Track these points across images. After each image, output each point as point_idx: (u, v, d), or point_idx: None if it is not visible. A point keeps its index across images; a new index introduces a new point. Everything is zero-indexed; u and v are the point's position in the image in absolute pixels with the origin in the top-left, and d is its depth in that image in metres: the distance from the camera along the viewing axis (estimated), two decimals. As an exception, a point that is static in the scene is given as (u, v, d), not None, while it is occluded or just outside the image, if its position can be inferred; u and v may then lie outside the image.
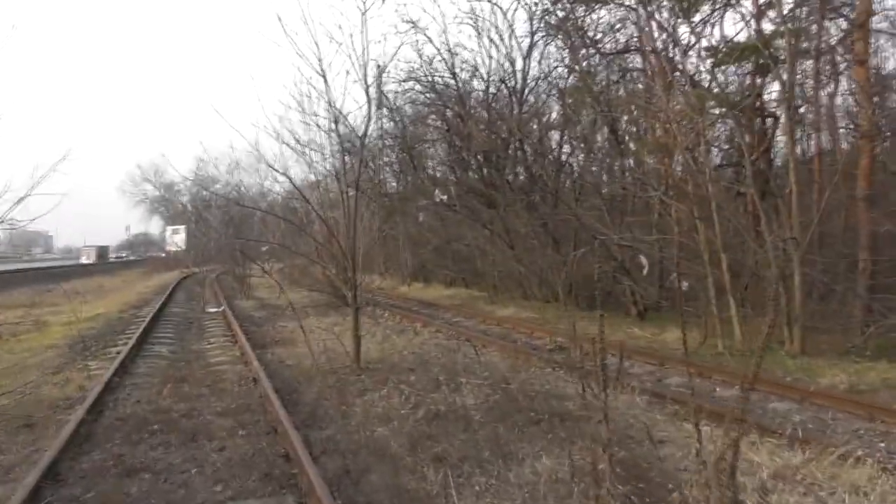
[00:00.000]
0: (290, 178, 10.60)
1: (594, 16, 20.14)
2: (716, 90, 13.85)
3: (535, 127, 23.17)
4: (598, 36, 20.35)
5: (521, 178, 23.09)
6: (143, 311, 19.42)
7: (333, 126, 9.59)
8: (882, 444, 6.56)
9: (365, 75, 9.73)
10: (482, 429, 6.56)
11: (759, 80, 15.15)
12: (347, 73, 9.81)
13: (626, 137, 20.28)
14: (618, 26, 19.92)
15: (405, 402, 7.53)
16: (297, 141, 10.59)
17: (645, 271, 13.38)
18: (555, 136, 23.54)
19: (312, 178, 17.33)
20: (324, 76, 9.62)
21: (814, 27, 14.55)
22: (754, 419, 7.39)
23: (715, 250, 12.16)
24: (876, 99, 13.87)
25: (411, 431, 6.48)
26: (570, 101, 21.44)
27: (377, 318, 16.70)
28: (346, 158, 10.64)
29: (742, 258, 12.18)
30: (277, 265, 35.76)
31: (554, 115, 24.01)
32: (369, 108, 9.94)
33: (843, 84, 16.68)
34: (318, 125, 9.70)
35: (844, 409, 7.77)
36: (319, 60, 9.58)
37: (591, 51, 20.69)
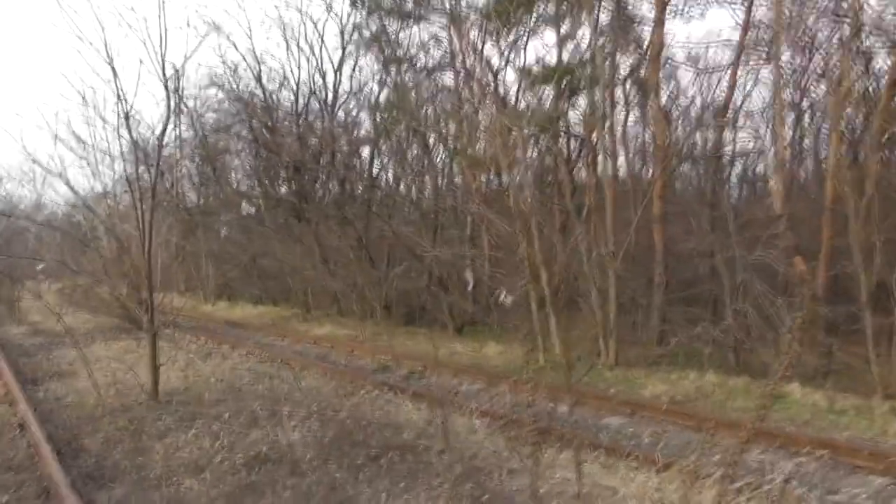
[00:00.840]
0: (69, 185, 8.78)
1: (407, 31, 19.92)
2: (529, 110, 14.01)
3: (343, 142, 22.38)
4: (412, 52, 20.14)
5: (333, 192, 22.18)
6: None
7: (124, 122, 8.06)
8: (717, 457, 6.54)
9: (163, 67, 8.32)
10: (314, 472, 5.57)
11: (564, 104, 15.58)
12: (141, 62, 8.35)
13: (442, 152, 20.20)
14: (431, 43, 19.85)
15: (218, 443, 6.30)
16: (80, 140, 8.83)
17: (470, 287, 13.08)
18: (366, 151, 22.96)
19: (99, 187, 15.12)
20: (111, 64, 8.10)
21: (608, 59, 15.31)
22: (592, 437, 7.16)
23: (535, 264, 12.12)
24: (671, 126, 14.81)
25: (228, 482, 5.33)
26: (385, 115, 20.97)
27: (178, 342, 14.80)
28: (139, 165, 9.07)
29: (561, 272, 12.27)
30: (56, 285, 31.48)
31: (364, 130, 23.44)
32: (168, 104, 8.53)
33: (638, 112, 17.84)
34: (103, 119, 8.10)
35: (674, 420, 7.80)
36: (106, 45, 8.07)
37: (405, 66, 20.40)
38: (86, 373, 10.01)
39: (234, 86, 23.73)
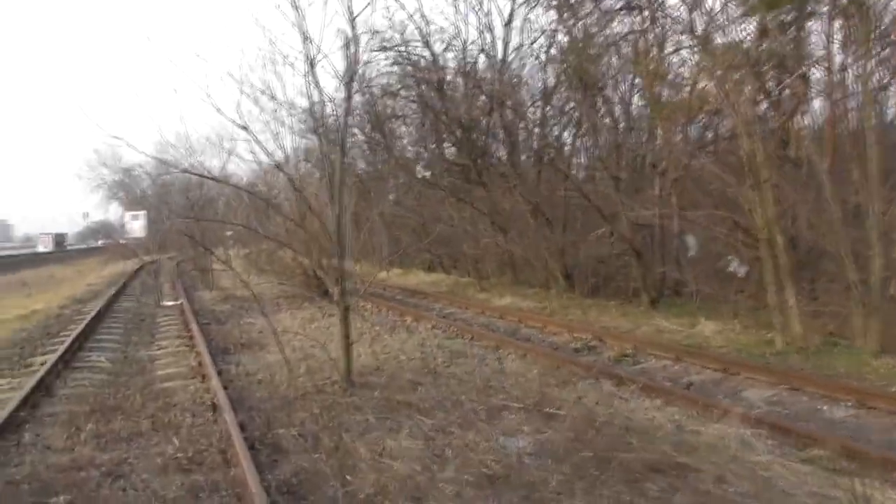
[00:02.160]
0: (257, 141, 7.92)
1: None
2: (751, 44, 11.56)
3: (513, 99, 20.73)
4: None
5: (505, 151, 20.73)
6: (89, 306, 16.60)
7: (309, 70, 7.02)
8: None
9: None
10: (563, 502, 4.19)
11: (794, 33, 12.88)
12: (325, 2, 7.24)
13: (620, 103, 18.05)
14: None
15: (431, 450, 5.11)
16: (266, 91, 7.96)
17: (692, 252, 11.12)
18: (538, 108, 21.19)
19: (280, 154, 14.68)
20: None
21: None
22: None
23: (769, 224, 9.92)
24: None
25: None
26: (561, 65, 19.05)
27: (360, 311, 14.18)
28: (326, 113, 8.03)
29: (799, 235, 10.00)
30: (243, 251, 32.96)
31: (538, 84, 21.64)
32: (355, 47, 7.40)
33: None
34: (291, 66, 7.11)
35: None
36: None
37: (584, 11, 18.30)
38: (275, 345, 9.44)
39: (403, 48, 22.87)
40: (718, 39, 14.04)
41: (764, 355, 9.31)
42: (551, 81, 19.84)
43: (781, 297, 9.66)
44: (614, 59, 17.84)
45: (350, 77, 7.31)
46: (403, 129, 29.96)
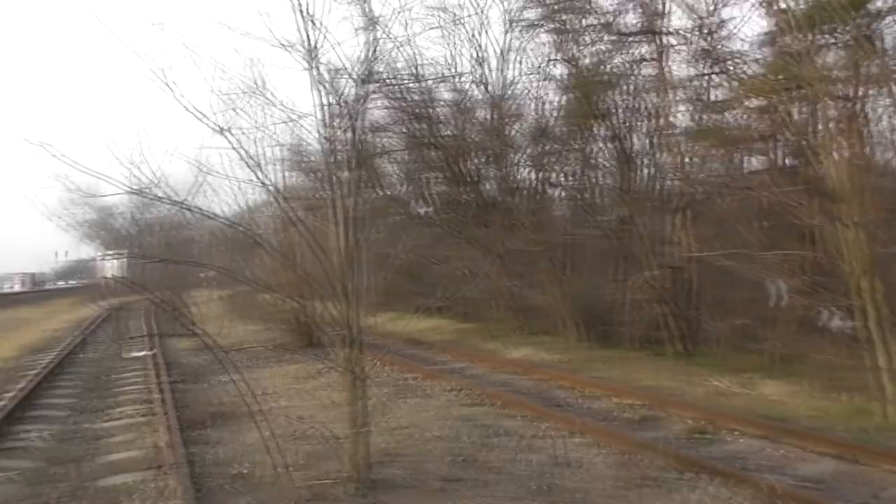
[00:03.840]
0: (228, 136, 5.84)
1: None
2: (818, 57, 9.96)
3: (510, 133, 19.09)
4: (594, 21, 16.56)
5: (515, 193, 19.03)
6: (43, 357, 14.37)
7: (308, 50, 5.11)
8: None
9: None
10: None
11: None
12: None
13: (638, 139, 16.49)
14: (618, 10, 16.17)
15: None
16: (258, 89, 6.00)
17: (778, 301, 9.21)
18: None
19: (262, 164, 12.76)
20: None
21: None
22: None
23: (854, 269, 8.12)
24: None
25: None
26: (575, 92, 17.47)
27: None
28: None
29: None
30: (221, 293, 30.69)
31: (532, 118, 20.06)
32: (373, 30, 5.55)
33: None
34: (284, 46, 5.13)
35: None
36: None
37: (592, 38, 16.80)
38: (259, 411, 7.45)
39: (392, 78, 21.20)
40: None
41: (867, 430, 7.42)
42: (549, 113, 18.32)
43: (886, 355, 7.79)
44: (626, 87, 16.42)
45: (368, 70, 5.46)
46: (390, 167, 28.26)
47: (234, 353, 14.73)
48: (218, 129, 5.22)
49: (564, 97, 18.05)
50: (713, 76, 13.11)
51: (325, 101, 5.48)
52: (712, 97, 13.30)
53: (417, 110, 20.21)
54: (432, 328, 20.37)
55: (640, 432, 7.52)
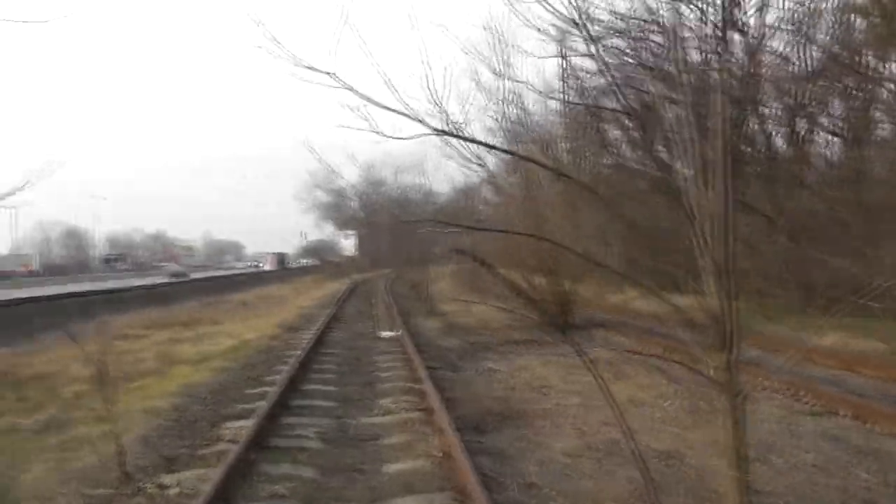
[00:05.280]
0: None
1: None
2: None
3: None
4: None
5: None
6: (300, 336, 14.34)
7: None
8: None
9: None
10: None
11: None
12: None
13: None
14: None
15: None
16: None
17: None
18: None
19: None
20: None
21: None
22: None
23: None
24: None
25: None
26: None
27: (611, 362, 9.96)
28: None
29: None
30: (450, 267, 30.37)
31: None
32: None
33: None
34: None
35: None
36: None
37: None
38: (554, 406, 5.84)
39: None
40: None
41: None
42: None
43: None
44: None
45: None
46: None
47: (487, 335, 13.60)
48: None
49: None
50: None
51: None
52: None
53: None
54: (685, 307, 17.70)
55: None
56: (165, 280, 49.27)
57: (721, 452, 4.15)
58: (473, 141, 4.33)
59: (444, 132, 3.55)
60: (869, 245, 12.36)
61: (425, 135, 3.51)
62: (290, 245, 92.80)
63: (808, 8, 15.00)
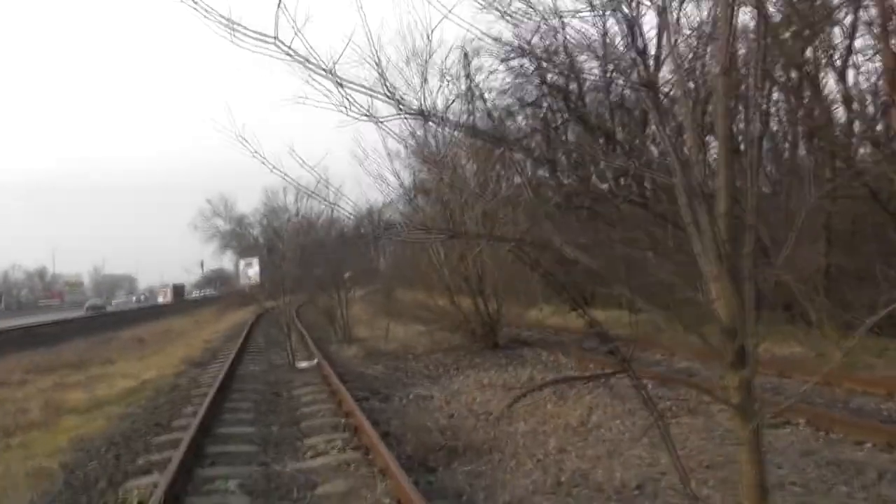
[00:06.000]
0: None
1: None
2: None
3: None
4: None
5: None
6: (207, 373, 13.05)
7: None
8: None
9: None
10: None
11: None
12: None
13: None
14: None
15: None
16: None
17: None
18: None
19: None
20: None
21: None
22: None
23: None
24: None
25: None
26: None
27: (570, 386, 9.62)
28: None
29: None
30: (359, 292, 29.39)
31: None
32: None
33: None
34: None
35: None
36: None
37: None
38: (507, 445, 5.23)
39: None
40: None
41: None
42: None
43: None
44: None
45: None
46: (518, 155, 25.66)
47: (412, 360, 12.86)
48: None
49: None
50: None
51: None
52: None
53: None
54: (607, 320, 17.63)
55: None
56: (84, 315, 47.76)
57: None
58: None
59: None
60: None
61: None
62: (189, 276, 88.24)
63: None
